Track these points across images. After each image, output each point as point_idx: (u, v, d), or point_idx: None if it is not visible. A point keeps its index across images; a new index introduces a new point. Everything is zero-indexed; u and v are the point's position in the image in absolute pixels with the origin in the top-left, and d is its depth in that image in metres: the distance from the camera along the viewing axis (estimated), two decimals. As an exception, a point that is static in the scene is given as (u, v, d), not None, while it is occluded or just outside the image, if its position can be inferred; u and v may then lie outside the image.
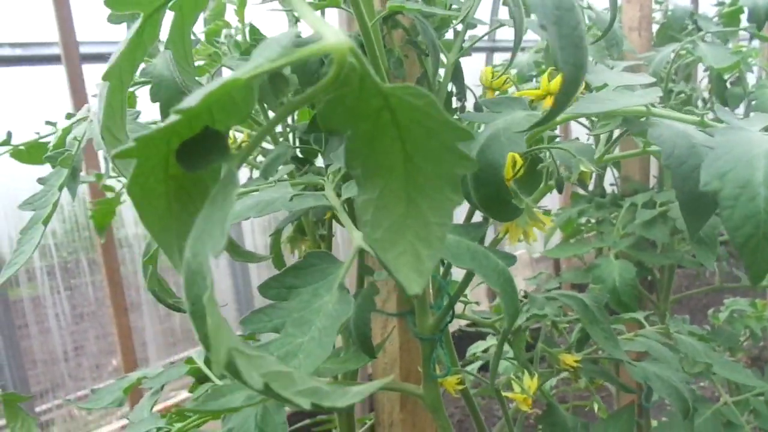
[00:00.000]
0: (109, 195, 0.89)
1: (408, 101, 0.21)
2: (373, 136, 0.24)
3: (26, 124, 0.72)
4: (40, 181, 0.45)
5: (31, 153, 0.71)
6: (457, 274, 0.66)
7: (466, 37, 0.60)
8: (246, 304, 2.33)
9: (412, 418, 0.68)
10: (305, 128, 0.56)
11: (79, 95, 1.40)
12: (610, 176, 1.20)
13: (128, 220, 2.08)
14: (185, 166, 0.20)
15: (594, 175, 1.24)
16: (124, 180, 0.88)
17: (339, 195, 0.44)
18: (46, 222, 0.42)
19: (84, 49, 1.45)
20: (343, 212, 0.39)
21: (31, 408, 1.90)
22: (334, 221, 0.66)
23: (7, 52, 1.51)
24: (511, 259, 0.37)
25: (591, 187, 1.21)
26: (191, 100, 0.17)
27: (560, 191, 0.44)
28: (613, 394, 1.20)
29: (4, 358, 1.85)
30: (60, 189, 0.43)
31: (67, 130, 0.47)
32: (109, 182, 0.89)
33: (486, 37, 0.67)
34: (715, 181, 0.30)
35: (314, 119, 0.57)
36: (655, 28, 1.12)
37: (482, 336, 1.22)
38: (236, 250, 0.55)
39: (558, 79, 0.43)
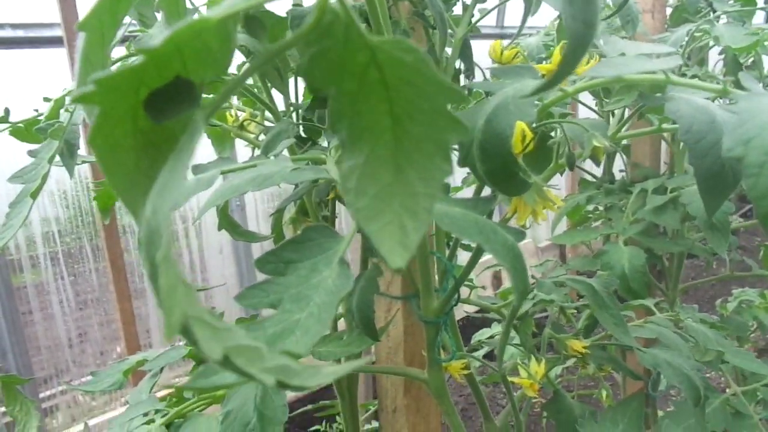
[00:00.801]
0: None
1: (397, 57, 0.20)
2: (358, 96, 0.22)
3: (27, 106, 0.71)
4: (31, 153, 0.44)
5: (29, 130, 0.70)
6: (462, 259, 0.64)
7: (475, 12, 0.58)
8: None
9: (416, 404, 0.67)
10: (308, 106, 0.54)
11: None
12: (619, 163, 1.18)
13: (132, 206, 2.07)
14: (153, 116, 0.18)
15: (603, 161, 1.22)
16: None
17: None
18: (34, 195, 0.40)
19: (86, 32, 1.43)
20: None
21: (35, 394, 1.90)
22: (337, 202, 0.65)
23: (9, 33, 1.49)
24: (520, 234, 0.35)
25: (600, 174, 1.19)
26: (155, 40, 0.15)
27: (571, 168, 0.42)
28: (620, 383, 1.18)
29: (8, 344, 1.85)
30: (50, 161, 0.41)
31: (60, 102, 0.45)
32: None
33: (495, 24, 0.65)
34: (740, 148, 0.28)
35: (314, 96, 0.56)
36: (668, 11, 1.09)
37: (488, 323, 1.21)
38: (236, 230, 0.53)
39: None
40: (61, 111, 0.45)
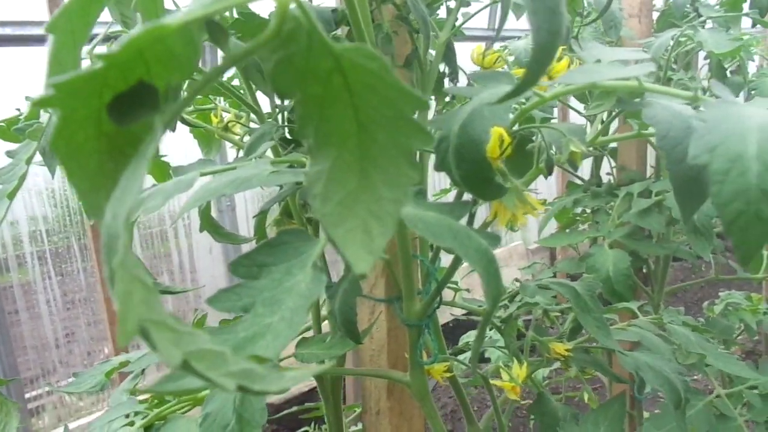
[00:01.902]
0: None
1: (360, 64, 0.20)
2: (324, 101, 0.22)
3: (14, 105, 0.70)
4: (9, 154, 0.44)
5: (11, 130, 0.69)
6: (447, 261, 0.64)
7: (459, 16, 0.58)
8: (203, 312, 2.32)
9: (400, 406, 0.67)
10: (293, 108, 0.54)
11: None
12: (606, 166, 1.18)
13: (121, 206, 2.06)
14: (116, 120, 0.18)
15: (591, 165, 1.22)
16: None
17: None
18: (11, 196, 0.40)
19: (75, 30, 1.42)
20: None
21: (20, 394, 1.89)
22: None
23: (-3, 31, 1.48)
24: (494, 239, 0.35)
25: (587, 177, 1.20)
26: (115, 47, 0.15)
27: (549, 173, 0.42)
28: (606, 385, 1.19)
29: (-6, 343, 1.83)
30: (27, 162, 0.41)
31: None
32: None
33: (486, 26, 0.65)
34: (705, 155, 0.28)
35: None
36: (655, 15, 1.10)
37: (476, 326, 1.21)
38: (218, 231, 0.53)
39: (561, 63, 0.41)
40: (42, 111, 0.44)
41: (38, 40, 1.51)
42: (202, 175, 0.41)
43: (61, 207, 1.96)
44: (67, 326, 2.05)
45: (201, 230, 0.56)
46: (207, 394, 0.52)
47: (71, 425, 2.00)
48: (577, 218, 1.25)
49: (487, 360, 1.21)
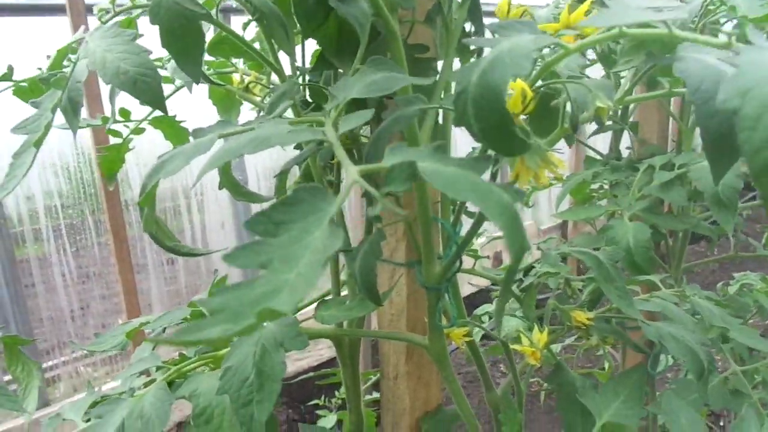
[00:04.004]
0: (116, 141, 0.87)
1: None
2: None
3: (30, 74, 0.70)
4: (34, 104, 0.43)
5: (33, 90, 0.69)
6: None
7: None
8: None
9: (418, 371, 0.67)
10: (313, 67, 0.53)
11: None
12: (625, 142, 1.16)
13: (135, 181, 2.07)
14: None
15: (610, 139, 1.20)
16: (131, 125, 0.86)
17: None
18: (37, 145, 0.40)
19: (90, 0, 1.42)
20: (339, 146, 0.36)
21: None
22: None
23: (12, 0, 1.47)
24: (517, 193, 0.34)
25: (606, 151, 1.18)
26: None
27: (574, 131, 0.41)
28: (619, 362, 1.18)
29: (11, 315, 1.86)
30: (53, 111, 0.40)
31: (64, 52, 0.45)
32: (115, 128, 0.87)
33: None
34: (735, 99, 0.27)
35: (321, 56, 0.55)
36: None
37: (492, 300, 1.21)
38: (238, 190, 0.53)
39: (579, 10, 0.40)
40: (64, 62, 0.44)
41: (52, 10, 1.50)
42: (221, 136, 0.41)
43: (75, 180, 1.96)
44: (82, 299, 2.07)
45: (221, 188, 0.56)
46: (227, 352, 0.52)
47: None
48: (593, 194, 1.23)
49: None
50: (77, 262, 2.03)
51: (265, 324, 0.51)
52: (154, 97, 0.39)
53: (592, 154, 1.15)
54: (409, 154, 0.31)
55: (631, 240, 0.84)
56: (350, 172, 0.32)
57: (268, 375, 0.44)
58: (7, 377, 1.79)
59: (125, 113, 0.82)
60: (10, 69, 0.65)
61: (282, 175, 0.59)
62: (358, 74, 0.42)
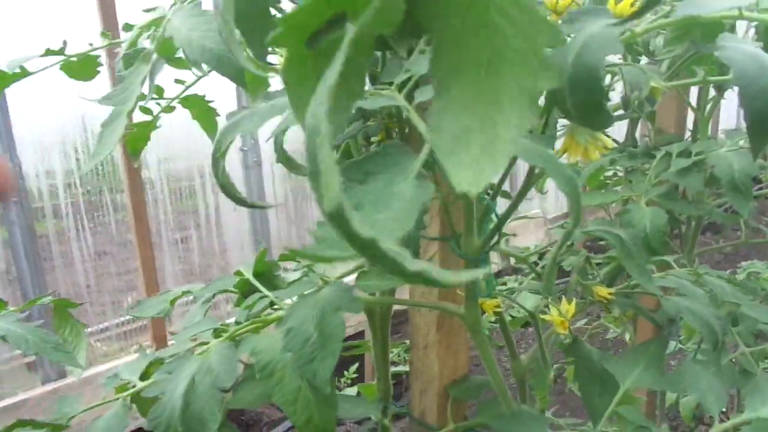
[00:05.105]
0: (143, 119, 0.90)
1: None
2: (459, 36, 0.24)
3: (51, 41, 0.72)
4: (119, 78, 0.46)
5: (82, 66, 0.72)
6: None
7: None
8: (264, 243, 2.38)
9: (447, 340, 0.71)
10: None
11: (108, 11, 1.38)
12: (639, 130, 1.19)
13: (151, 162, 2.10)
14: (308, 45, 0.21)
15: (627, 127, 1.23)
16: (163, 102, 0.89)
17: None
18: (128, 115, 0.43)
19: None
20: (415, 113, 0.40)
21: (55, 337, 1.96)
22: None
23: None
24: (576, 173, 0.38)
25: (622, 140, 1.21)
26: None
27: (626, 109, 0.45)
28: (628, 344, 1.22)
29: (31, 289, 1.90)
30: (141, 84, 0.44)
31: (146, 28, 0.48)
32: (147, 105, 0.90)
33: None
34: None
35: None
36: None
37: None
38: (291, 164, 0.56)
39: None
40: (140, 40, 0.47)
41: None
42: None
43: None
44: (98, 274, 2.11)
45: (277, 161, 0.59)
46: (280, 315, 0.55)
47: (99, 369, 2.09)
48: (607, 182, 1.27)
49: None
50: (94, 239, 2.07)
51: (322, 289, 0.55)
52: (236, 73, 0.42)
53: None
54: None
55: (648, 224, 0.88)
56: (428, 140, 0.35)
57: (330, 335, 0.48)
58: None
59: (159, 90, 0.85)
60: (65, 44, 0.68)
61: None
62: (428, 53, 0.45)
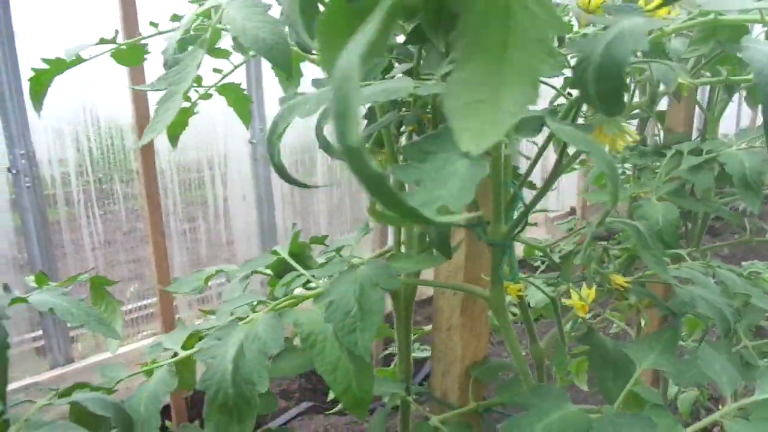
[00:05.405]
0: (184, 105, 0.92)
1: None
2: (482, 20, 0.27)
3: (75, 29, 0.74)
4: (174, 60, 0.49)
5: (130, 53, 0.75)
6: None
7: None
8: (270, 235, 2.41)
9: (471, 323, 0.74)
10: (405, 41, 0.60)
11: (129, 8, 1.40)
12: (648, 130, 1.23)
13: (162, 148, 2.12)
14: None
15: (636, 126, 1.26)
16: (201, 90, 0.92)
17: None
18: (185, 94, 0.46)
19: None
20: None
21: (64, 322, 1.99)
22: (414, 135, 0.71)
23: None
24: (614, 158, 0.41)
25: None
26: None
27: (653, 102, 0.48)
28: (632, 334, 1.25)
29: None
30: (197, 67, 0.47)
31: (202, 15, 0.51)
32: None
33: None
34: None
35: (412, 31, 0.61)
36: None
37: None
38: (331, 149, 0.59)
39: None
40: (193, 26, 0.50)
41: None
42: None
43: (106, 146, 2.02)
44: (107, 261, 2.13)
45: (320, 146, 0.62)
46: (318, 292, 0.58)
47: (103, 356, 2.12)
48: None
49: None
50: (105, 226, 2.10)
51: (359, 267, 0.58)
52: (284, 62, 0.45)
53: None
54: (533, 113, 0.38)
55: (660, 218, 0.91)
56: (444, 105, 0.39)
57: (370, 309, 0.51)
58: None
59: (198, 79, 0.88)
60: (117, 33, 0.71)
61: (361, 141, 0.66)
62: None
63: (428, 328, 1.09)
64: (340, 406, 1.37)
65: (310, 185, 0.55)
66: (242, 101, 0.93)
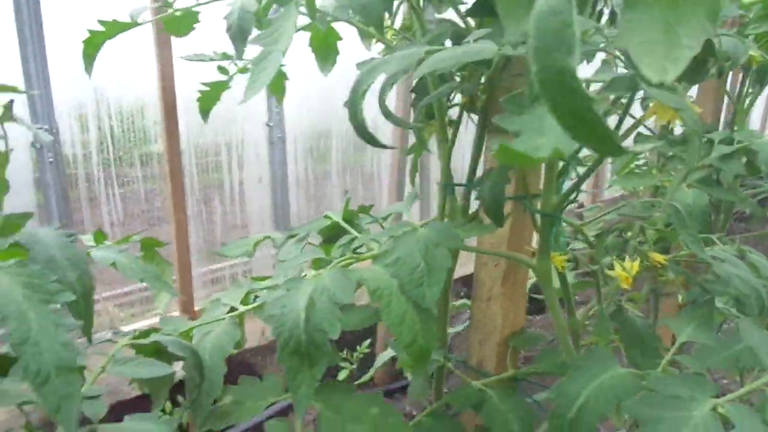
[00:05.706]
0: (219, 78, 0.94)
1: None
2: None
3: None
4: (267, 23, 0.51)
5: (182, 20, 0.77)
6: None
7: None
8: (283, 218, 2.43)
9: (510, 293, 0.76)
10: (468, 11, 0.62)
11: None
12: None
13: (183, 131, 2.14)
14: None
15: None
16: (240, 63, 0.94)
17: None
18: (284, 52, 0.48)
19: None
20: None
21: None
22: (465, 111, 0.73)
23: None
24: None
25: (657, 131, 1.27)
26: None
27: (719, 76, 0.50)
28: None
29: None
30: (293, 27, 0.49)
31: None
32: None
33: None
34: None
35: (475, 3, 0.63)
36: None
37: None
38: (364, 129, 0.61)
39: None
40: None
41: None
42: (427, 52, 0.49)
43: (127, 125, 2.04)
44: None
45: (352, 122, 0.63)
46: (384, 250, 0.60)
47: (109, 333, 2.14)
48: (635, 171, 1.33)
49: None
50: (124, 205, 2.12)
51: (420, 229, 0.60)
52: (376, 19, 0.48)
53: (643, 130, 1.24)
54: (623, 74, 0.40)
55: (691, 203, 0.94)
56: (621, 44, 0.41)
57: (435, 265, 0.53)
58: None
59: (225, 55, 0.90)
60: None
61: (422, 108, 0.69)
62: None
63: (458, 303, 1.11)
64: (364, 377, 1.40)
65: (387, 146, 0.57)
66: (277, 77, 0.95)
